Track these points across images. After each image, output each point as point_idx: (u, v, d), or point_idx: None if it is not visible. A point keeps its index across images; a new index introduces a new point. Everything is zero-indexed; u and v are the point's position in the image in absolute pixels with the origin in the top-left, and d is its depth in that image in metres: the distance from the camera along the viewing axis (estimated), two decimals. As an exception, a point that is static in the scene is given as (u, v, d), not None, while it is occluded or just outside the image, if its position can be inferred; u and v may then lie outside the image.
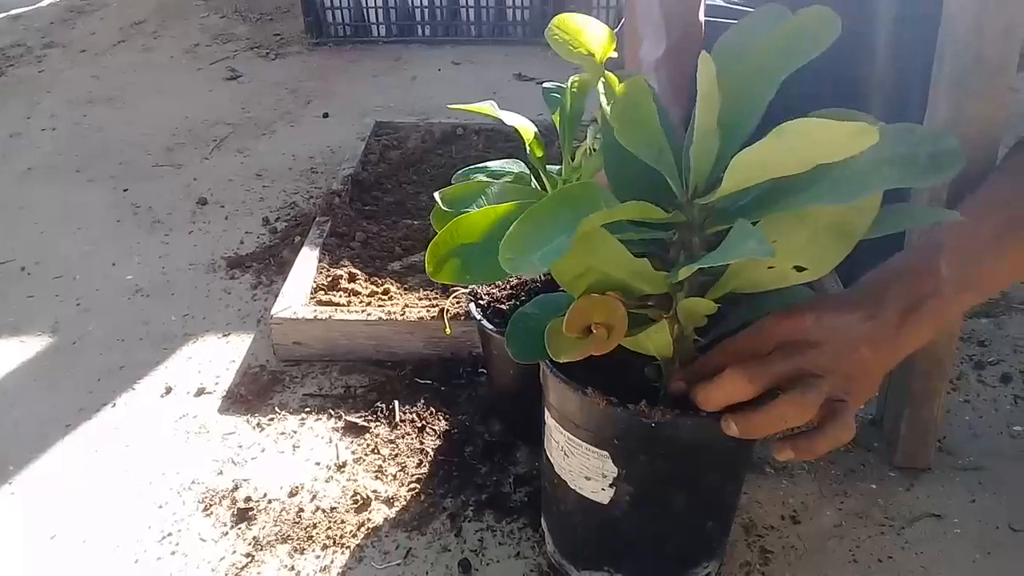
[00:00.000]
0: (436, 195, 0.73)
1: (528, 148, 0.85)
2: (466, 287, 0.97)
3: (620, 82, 0.62)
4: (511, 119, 0.85)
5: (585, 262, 0.59)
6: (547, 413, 0.75)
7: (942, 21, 0.76)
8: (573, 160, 0.84)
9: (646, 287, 0.62)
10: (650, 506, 0.72)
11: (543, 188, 0.87)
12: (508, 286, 0.94)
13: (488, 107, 0.85)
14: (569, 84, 0.85)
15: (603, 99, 0.62)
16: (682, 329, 0.65)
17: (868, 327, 0.64)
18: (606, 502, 0.72)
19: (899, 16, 0.94)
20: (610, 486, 0.71)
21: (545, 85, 0.88)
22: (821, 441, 0.63)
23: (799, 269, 0.59)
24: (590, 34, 0.62)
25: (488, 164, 0.87)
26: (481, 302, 0.92)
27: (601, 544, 0.76)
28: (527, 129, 0.84)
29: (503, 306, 0.92)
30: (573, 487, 0.73)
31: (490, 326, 0.89)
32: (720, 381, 0.63)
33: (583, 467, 0.72)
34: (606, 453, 0.69)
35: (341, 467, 0.94)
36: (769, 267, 0.59)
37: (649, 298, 0.64)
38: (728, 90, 0.56)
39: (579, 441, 0.70)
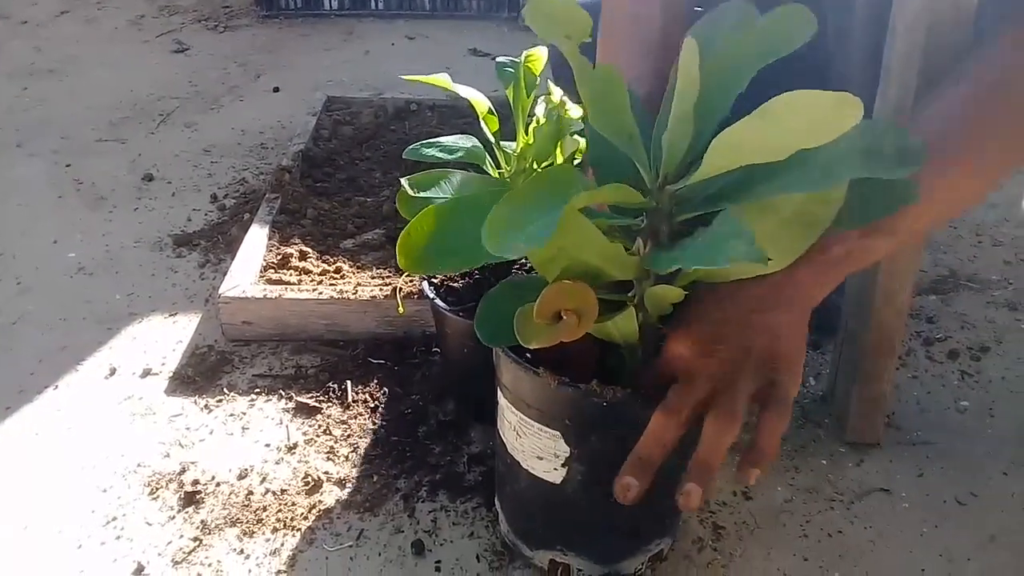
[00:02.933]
0: (403, 181, 0.72)
1: (482, 122, 0.84)
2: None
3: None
4: (465, 92, 0.83)
5: (560, 244, 0.58)
6: (500, 393, 0.74)
7: (894, 6, 0.76)
8: (527, 135, 0.83)
9: (618, 272, 0.62)
10: (602, 485, 0.72)
11: (496, 163, 0.86)
12: (461, 264, 0.93)
13: (442, 79, 0.83)
14: (523, 58, 0.84)
15: (578, 82, 0.61)
16: (647, 316, 0.65)
17: (753, 293, 0.62)
18: (558, 482, 0.71)
19: (875, 15, 0.94)
20: (562, 466, 0.70)
21: (499, 59, 0.87)
22: (766, 438, 0.61)
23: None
24: (568, 17, 0.61)
25: (441, 139, 0.85)
26: (434, 280, 0.91)
27: (554, 523, 0.76)
28: (481, 103, 0.83)
29: (456, 284, 0.91)
30: (526, 467, 0.73)
31: (444, 305, 0.88)
32: (646, 433, 0.62)
33: (535, 447, 0.71)
34: (558, 433, 0.69)
35: (292, 449, 0.93)
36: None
37: (613, 285, 0.63)
38: (701, 82, 0.56)
39: (531, 421, 0.70)
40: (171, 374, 1.04)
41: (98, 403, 1.00)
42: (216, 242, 1.31)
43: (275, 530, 0.83)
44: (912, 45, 0.75)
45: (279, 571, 0.79)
